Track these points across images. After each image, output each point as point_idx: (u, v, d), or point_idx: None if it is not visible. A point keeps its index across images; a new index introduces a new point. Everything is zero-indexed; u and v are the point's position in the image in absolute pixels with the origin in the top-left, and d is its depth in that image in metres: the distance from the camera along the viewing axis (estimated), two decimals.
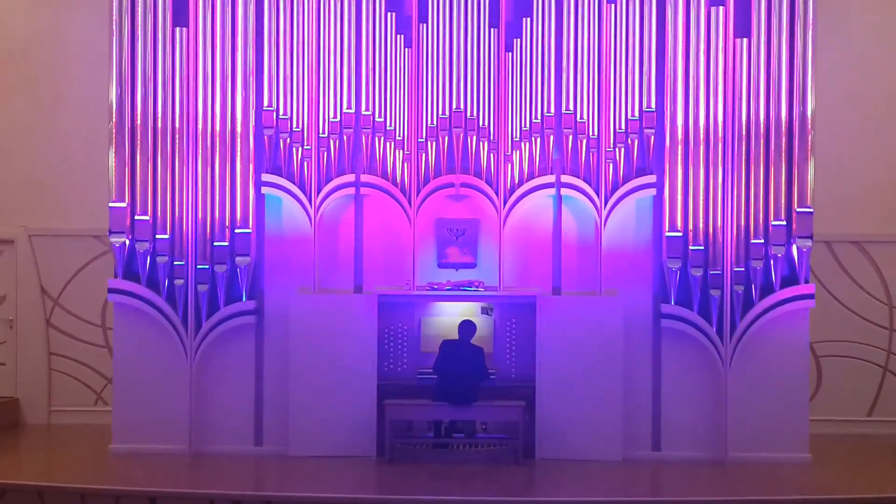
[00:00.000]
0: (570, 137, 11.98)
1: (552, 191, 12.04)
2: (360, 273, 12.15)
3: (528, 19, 12.04)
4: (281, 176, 12.11)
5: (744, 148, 11.88)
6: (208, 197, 12.03)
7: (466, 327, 11.84)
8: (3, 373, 14.01)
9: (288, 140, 12.07)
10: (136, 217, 11.99)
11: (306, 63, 12.08)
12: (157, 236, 12.00)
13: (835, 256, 13.62)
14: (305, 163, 12.06)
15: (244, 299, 12.03)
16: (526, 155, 12.04)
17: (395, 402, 11.67)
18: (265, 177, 12.12)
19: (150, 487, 10.32)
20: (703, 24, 11.91)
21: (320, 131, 12.09)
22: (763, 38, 11.84)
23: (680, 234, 11.88)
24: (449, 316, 12.14)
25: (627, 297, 11.96)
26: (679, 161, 11.90)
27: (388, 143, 12.08)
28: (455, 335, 11.85)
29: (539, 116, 12.02)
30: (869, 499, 10.16)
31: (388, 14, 12.08)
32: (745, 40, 11.88)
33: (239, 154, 12.02)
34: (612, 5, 11.97)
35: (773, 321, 11.82)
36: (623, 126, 11.96)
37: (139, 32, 11.99)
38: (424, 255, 12.14)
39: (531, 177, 12.05)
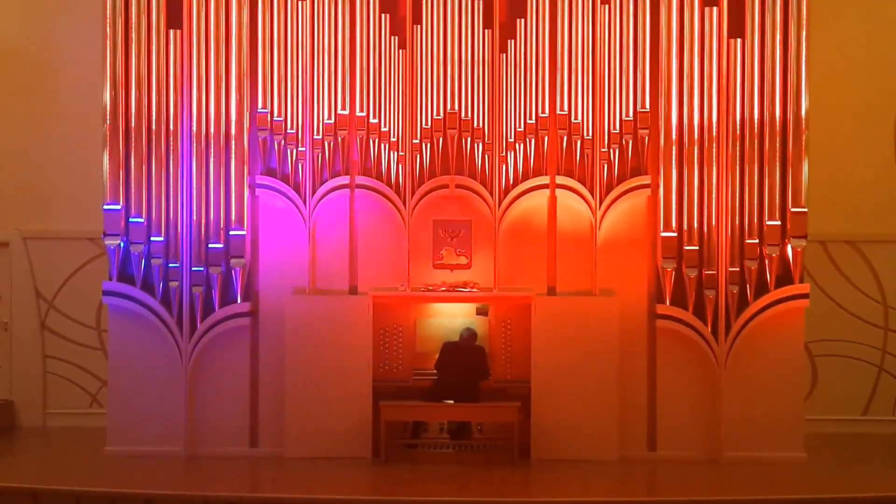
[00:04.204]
0: (565, 138, 11.99)
1: (547, 191, 12.06)
2: (355, 274, 12.16)
3: (522, 20, 12.05)
4: (275, 177, 12.11)
5: (738, 148, 11.89)
6: (203, 199, 12.02)
7: (468, 333, 11.85)
8: None
9: (282, 142, 12.07)
10: (131, 219, 11.98)
11: (300, 65, 12.08)
12: (152, 238, 11.99)
13: (829, 256, 13.65)
14: (300, 164, 12.06)
15: (239, 301, 12.02)
16: (520, 156, 12.05)
17: (390, 403, 11.67)
18: (260, 178, 12.12)
19: (146, 490, 10.30)
20: (696, 24, 11.92)
21: (315, 133, 12.08)
22: (757, 39, 11.86)
23: (674, 234, 11.89)
24: (444, 317, 12.14)
25: (622, 297, 11.96)
26: (673, 161, 11.91)
27: (382, 145, 12.08)
28: (453, 337, 11.89)
29: (533, 117, 12.03)
30: (864, 498, 10.17)
31: (382, 15, 12.08)
32: (738, 40, 11.90)
33: (233, 156, 12.02)
34: (606, 6, 11.98)
35: (768, 321, 11.83)
36: (617, 126, 11.97)
37: (133, 35, 11.99)
38: (419, 256, 12.13)
39: (525, 177, 12.06)
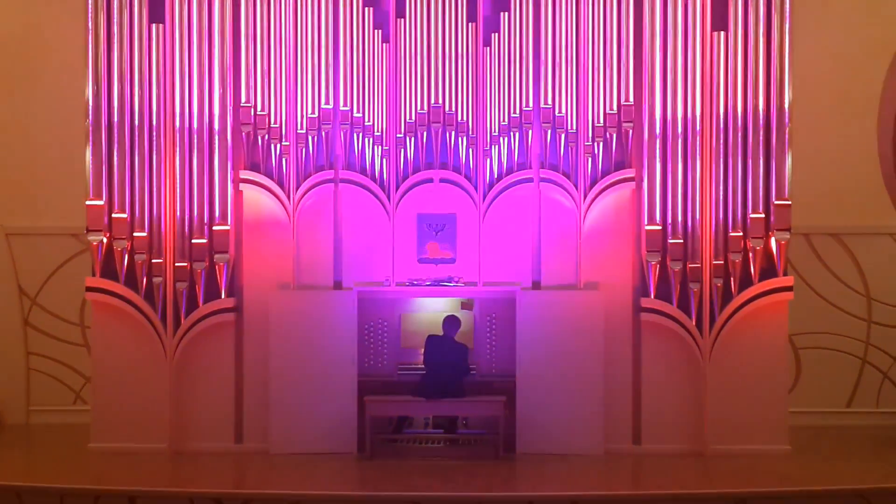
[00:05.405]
0: (549, 132, 11.99)
1: (531, 185, 12.05)
2: (340, 269, 12.14)
3: (506, 14, 12.03)
4: (259, 172, 12.08)
5: (722, 141, 11.91)
6: (186, 194, 11.98)
7: (451, 322, 11.84)
8: None
9: (266, 136, 12.04)
10: (114, 215, 11.93)
11: (284, 59, 12.04)
12: (135, 234, 11.94)
13: (813, 249, 13.67)
14: (284, 159, 12.03)
15: (223, 296, 11.99)
16: (505, 150, 12.04)
17: (375, 399, 11.65)
18: (243, 173, 12.08)
19: (130, 486, 10.27)
20: (680, 17, 11.92)
21: (298, 127, 12.05)
22: (740, 31, 11.88)
23: (659, 227, 11.91)
24: (429, 311, 12.13)
25: (607, 290, 11.97)
26: (657, 155, 11.91)
27: (366, 139, 12.05)
28: (438, 331, 11.85)
29: (517, 111, 12.01)
30: (848, 490, 10.20)
31: (366, 9, 12.05)
32: (722, 33, 11.91)
33: (217, 151, 11.97)
34: None
35: (752, 314, 11.85)
36: (601, 120, 11.98)
37: (115, 29, 11.93)
38: (404, 251, 12.12)
39: (510, 171, 12.06)
